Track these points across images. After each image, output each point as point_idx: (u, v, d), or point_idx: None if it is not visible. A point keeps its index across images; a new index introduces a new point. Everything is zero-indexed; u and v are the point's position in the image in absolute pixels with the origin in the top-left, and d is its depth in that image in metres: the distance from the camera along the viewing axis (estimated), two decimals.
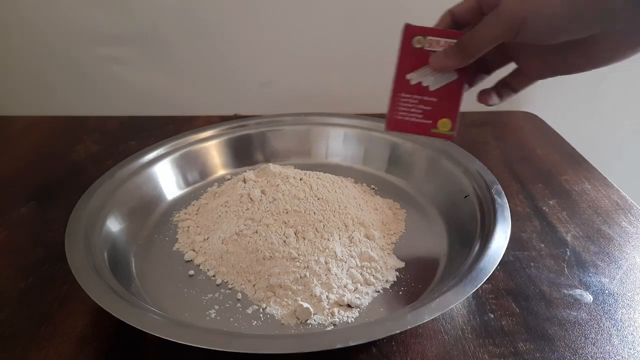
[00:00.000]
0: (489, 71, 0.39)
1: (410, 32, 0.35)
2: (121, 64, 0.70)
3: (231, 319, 0.37)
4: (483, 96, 0.39)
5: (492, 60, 0.38)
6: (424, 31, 0.35)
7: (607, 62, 0.32)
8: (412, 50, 0.35)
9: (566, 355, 0.34)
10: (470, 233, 0.41)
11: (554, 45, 0.31)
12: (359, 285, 0.39)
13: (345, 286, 0.38)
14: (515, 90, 0.38)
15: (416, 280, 0.40)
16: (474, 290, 0.33)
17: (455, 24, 0.36)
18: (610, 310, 0.38)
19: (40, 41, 0.69)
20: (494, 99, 0.39)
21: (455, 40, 0.35)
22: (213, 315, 0.37)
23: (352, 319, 0.36)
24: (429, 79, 0.37)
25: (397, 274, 0.41)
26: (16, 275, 0.41)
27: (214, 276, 0.41)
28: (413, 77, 0.37)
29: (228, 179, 0.53)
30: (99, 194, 0.44)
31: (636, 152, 0.80)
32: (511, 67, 0.38)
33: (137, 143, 0.63)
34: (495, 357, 0.34)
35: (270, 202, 0.43)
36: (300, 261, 0.39)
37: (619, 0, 0.27)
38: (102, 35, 0.68)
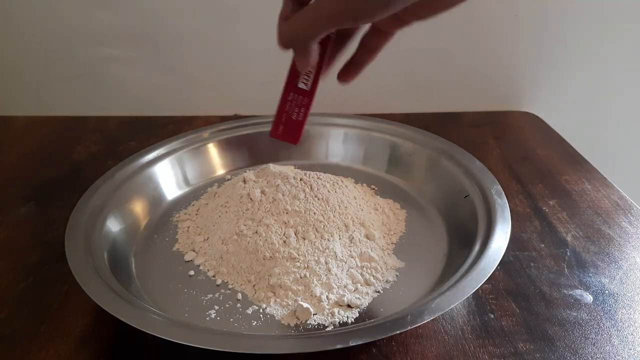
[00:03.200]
0: (348, 37, 0.36)
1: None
2: (121, 64, 0.70)
3: (231, 319, 0.37)
4: (344, 76, 0.37)
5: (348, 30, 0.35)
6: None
7: (447, 8, 0.30)
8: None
9: (566, 355, 0.34)
10: (470, 233, 0.41)
11: None
12: (359, 285, 0.39)
13: (345, 286, 0.38)
14: (377, 49, 0.35)
15: (416, 280, 0.40)
16: (474, 291, 0.33)
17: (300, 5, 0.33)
18: (610, 310, 0.38)
19: (40, 41, 0.69)
20: (353, 73, 0.36)
21: None
22: (213, 316, 0.37)
23: (352, 319, 0.36)
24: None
25: (397, 274, 0.41)
26: (16, 275, 0.41)
27: (214, 276, 0.41)
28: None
29: (228, 179, 0.53)
30: (99, 194, 0.44)
31: (636, 152, 0.80)
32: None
33: (137, 143, 0.63)
34: (495, 358, 0.34)
35: (270, 203, 0.43)
36: (301, 261, 0.39)
37: None
38: (102, 35, 0.68)
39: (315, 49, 0.32)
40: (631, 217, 0.48)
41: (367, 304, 0.37)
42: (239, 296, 0.38)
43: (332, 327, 0.35)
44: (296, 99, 0.37)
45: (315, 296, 0.37)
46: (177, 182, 0.52)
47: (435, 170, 0.51)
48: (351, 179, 0.53)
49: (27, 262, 0.43)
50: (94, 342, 0.35)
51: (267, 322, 0.36)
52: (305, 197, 0.44)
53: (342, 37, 0.35)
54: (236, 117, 0.66)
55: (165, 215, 0.48)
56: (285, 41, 0.33)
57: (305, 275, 0.38)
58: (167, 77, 0.71)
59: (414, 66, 0.69)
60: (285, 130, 0.39)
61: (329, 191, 0.45)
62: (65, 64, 0.70)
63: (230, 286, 0.40)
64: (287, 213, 0.42)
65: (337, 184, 0.47)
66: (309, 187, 0.45)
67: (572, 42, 0.70)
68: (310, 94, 0.37)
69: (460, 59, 0.70)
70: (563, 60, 0.72)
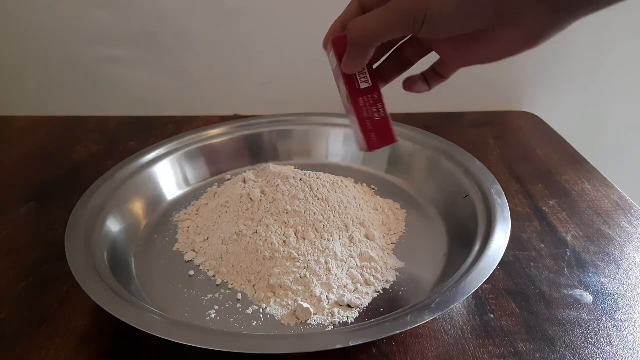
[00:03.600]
0: (410, 63, 0.38)
1: (341, 46, 0.34)
2: (121, 64, 0.70)
3: (231, 319, 0.37)
4: (409, 84, 0.38)
5: (410, 52, 0.37)
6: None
7: (507, 55, 0.31)
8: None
9: (566, 355, 0.34)
10: (470, 233, 0.41)
11: (462, 38, 0.31)
12: (359, 285, 0.39)
13: (345, 286, 0.38)
14: (444, 77, 0.37)
15: (416, 280, 0.40)
16: (474, 291, 0.33)
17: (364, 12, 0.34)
18: (610, 310, 0.38)
19: (41, 41, 0.69)
20: (421, 86, 0.37)
21: None
22: (213, 316, 0.37)
23: (352, 319, 0.36)
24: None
25: (397, 274, 0.41)
26: (16, 275, 0.41)
27: (214, 276, 0.41)
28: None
29: (228, 179, 0.53)
30: (99, 194, 0.44)
31: (636, 152, 0.80)
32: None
33: (137, 143, 0.63)
34: (495, 358, 0.34)
35: (270, 203, 0.43)
36: (301, 261, 0.39)
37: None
38: (102, 35, 0.68)
39: (372, 52, 0.33)
40: (631, 217, 0.48)
41: (367, 304, 0.37)
42: (239, 296, 0.38)
43: (332, 327, 0.35)
44: (367, 100, 0.35)
45: (315, 296, 0.37)
46: (177, 182, 0.52)
47: (435, 170, 0.51)
48: (351, 179, 0.53)
49: (27, 262, 0.43)
50: (94, 342, 0.35)
51: (267, 322, 0.36)
52: (305, 197, 0.44)
53: (403, 64, 0.37)
54: (236, 117, 0.66)
55: (165, 215, 0.48)
56: (357, 39, 0.32)
57: (305, 275, 0.38)
58: (167, 77, 0.71)
59: (414, 66, 0.69)
60: (379, 136, 0.36)
61: (328, 191, 0.45)
62: (65, 64, 0.70)
63: (230, 286, 0.40)
64: (287, 213, 0.42)
65: (337, 184, 0.47)
66: (309, 187, 0.45)
67: (572, 42, 0.70)
68: (375, 88, 0.35)
69: None
70: (563, 60, 0.72)
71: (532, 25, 0.29)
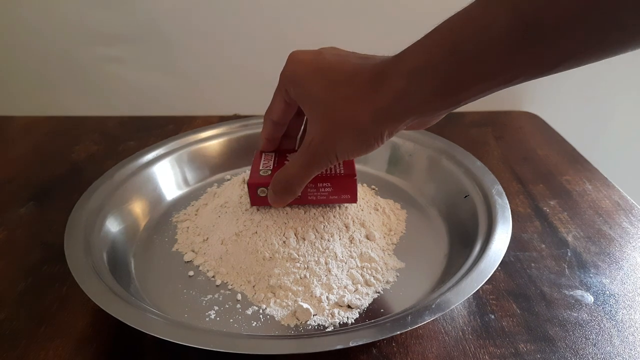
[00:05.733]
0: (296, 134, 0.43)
1: (253, 186, 0.41)
2: (121, 64, 0.70)
3: (231, 320, 0.36)
4: None
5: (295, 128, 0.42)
6: (264, 183, 0.40)
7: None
8: (259, 198, 0.41)
9: (567, 356, 0.34)
10: (470, 233, 0.41)
11: None
12: (359, 286, 0.39)
13: (345, 287, 0.38)
14: None
15: (416, 281, 0.40)
16: (474, 291, 0.33)
17: (276, 127, 0.41)
18: (611, 311, 0.37)
19: (40, 41, 0.69)
20: None
21: None
22: (213, 316, 0.37)
23: (352, 320, 0.36)
24: None
25: (398, 274, 0.41)
26: (16, 275, 0.41)
27: (213, 277, 0.41)
28: None
29: (228, 180, 0.53)
30: (99, 194, 0.44)
31: (636, 152, 0.80)
32: None
33: (137, 143, 0.63)
34: (495, 358, 0.34)
35: None
36: (300, 262, 0.39)
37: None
38: (102, 35, 0.68)
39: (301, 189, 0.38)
40: (632, 218, 0.48)
41: (367, 305, 0.37)
42: (239, 297, 0.38)
43: (332, 328, 0.35)
44: (311, 192, 0.41)
45: (315, 297, 0.37)
46: (177, 182, 0.52)
47: (436, 170, 0.51)
48: None
49: (27, 262, 0.43)
50: (94, 342, 0.35)
51: (267, 323, 0.36)
52: None
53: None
54: (236, 117, 0.66)
55: (164, 216, 0.48)
56: (281, 190, 0.38)
57: (305, 276, 0.38)
58: (167, 77, 0.71)
59: None
60: (346, 191, 0.41)
61: None
62: (65, 64, 0.70)
63: (229, 287, 0.40)
64: (286, 214, 0.42)
65: None
66: None
67: None
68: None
69: None
70: None
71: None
